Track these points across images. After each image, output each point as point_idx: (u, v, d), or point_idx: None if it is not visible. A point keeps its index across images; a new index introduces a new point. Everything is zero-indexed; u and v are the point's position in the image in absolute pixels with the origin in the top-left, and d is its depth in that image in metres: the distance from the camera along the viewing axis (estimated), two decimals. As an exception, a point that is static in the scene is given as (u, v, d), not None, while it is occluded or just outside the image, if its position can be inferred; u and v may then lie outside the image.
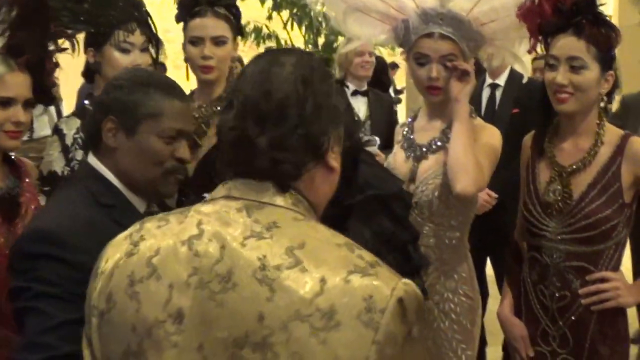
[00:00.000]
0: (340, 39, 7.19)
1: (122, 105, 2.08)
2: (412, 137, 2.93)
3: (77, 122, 2.94)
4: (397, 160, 2.94)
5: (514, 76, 5.17)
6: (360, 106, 5.27)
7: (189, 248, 1.41)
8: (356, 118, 5.10)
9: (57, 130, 3.01)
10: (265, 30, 8.73)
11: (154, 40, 3.12)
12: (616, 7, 8.82)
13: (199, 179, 3.02)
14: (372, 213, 2.47)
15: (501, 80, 5.21)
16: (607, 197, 2.64)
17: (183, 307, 1.37)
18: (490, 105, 5.18)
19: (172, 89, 2.14)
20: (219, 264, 1.37)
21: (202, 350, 1.34)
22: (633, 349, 3.33)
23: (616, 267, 2.70)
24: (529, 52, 2.86)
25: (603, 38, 2.64)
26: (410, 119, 3.05)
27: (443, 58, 2.76)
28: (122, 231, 1.66)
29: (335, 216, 2.37)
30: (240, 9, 3.26)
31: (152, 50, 3.12)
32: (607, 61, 2.66)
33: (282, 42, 8.64)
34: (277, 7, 8.46)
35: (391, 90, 8.28)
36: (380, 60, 5.59)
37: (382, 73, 5.54)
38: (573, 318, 2.69)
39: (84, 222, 1.98)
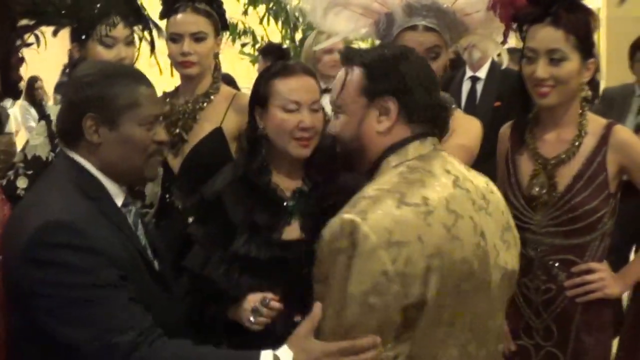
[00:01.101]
0: (318, 34, 7.14)
1: (98, 100, 2.11)
2: None
3: None
4: None
5: (495, 69, 5.21)
6: (327, 104, 5.20)
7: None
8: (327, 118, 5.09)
9: (44, 117, 3.03)
10: (241, 26, 8.72)
11: (146, 31, 3.14)
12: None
13: (186, 175, 3.04)
14: None
15: (482, 73, 5.23)
16: (593, 189, 2.61)
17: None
18: (470, 99, 5.19)
19: (140, 76, 2.21)
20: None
21: None
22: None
23: (601, 258, 2.68)
24: (502, 43, 2.85)
25: (582, 25, 2.59)
26: None
27: (428, 51, 2.69)
28: (110, 223, 2.04)
29: (319, 217, 2.38)
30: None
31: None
32: (587, 49, 2.60)
33: (259, 37, 8.64)
34: (253, 2, 8.44)
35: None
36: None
37: None
38: (558, 310, 2.68)
39: (86, 212, 2.06)
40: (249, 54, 8.76)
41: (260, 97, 2.52)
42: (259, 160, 2.52)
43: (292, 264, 2.43)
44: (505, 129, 2.87)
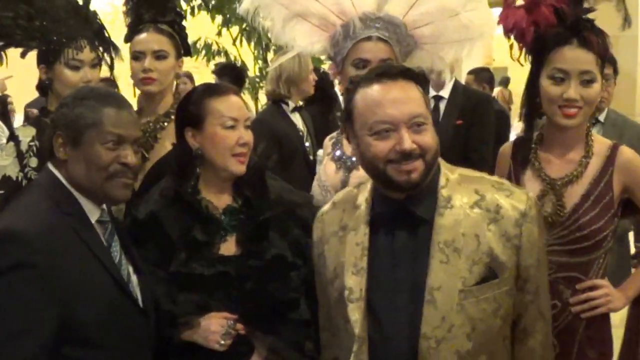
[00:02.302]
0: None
1: (66, 120, 2.26)
2: (341, 148, 2.94)
3: (32, 131, 3.00)
4: (328, 171, 2.95)
5: (458, 89, 5.36)
6: (298, 121, 5.32)
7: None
8: (301, 133, 5.15)
9: (12, 137, 3.06)
10: (215, 47, 8.77)
11: (108, 54, 3.21)
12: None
13: (146, 192, 3.04)
14: (286, 226, 2.57)
15: (445, 93, 5.36)
16: (600, 208, 2.61)
17: None
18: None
19: (110, 98, 2.31)
20: None
21: None
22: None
23: (604, 275, 2.70)
24: (521, 64, 2.76)
25: (604, 47, 2.61)
26: (339, 131, 3.02)
27: (381, 61, 2.74)
28: (78, 239, 2.12)
29: (255, 231, 2.53)
30: (192, 25, 3.34)
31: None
32: (603, 70, 2.63)
33: (232, 57, 8.71)
34: (226, 23, 8.49)
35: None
36: (327, 75, 5.69)
37: (329, 87, 5.62)
38: (561, 327, 2.67)
39: (49, 226, 2.13)
40: (223, 74, 8.82)
41: (194, 117, 2.55)
42: (191, 179, 2.57)
43: (233, 279, 2.48)
44: (507, 148, 2.85)
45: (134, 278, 2.36)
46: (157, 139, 3.21)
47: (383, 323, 2.18)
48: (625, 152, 2.66)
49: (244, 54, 8.70)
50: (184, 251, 2.48)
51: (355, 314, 2.19)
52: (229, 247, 2.54)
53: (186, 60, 3.43)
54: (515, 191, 2.23)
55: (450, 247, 2.13)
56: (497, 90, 14.72)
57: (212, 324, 2.44)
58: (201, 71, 9.17)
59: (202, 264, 2.47)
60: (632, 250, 4.63)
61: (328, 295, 2.33)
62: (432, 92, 5.39)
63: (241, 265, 2.49)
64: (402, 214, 2.20)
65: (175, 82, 3.36)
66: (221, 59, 8.68)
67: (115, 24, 3.40)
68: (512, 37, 2.72)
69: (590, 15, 2.65)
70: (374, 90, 2.14)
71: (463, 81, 8.02)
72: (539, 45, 2.65)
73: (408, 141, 2.09)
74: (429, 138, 2.15)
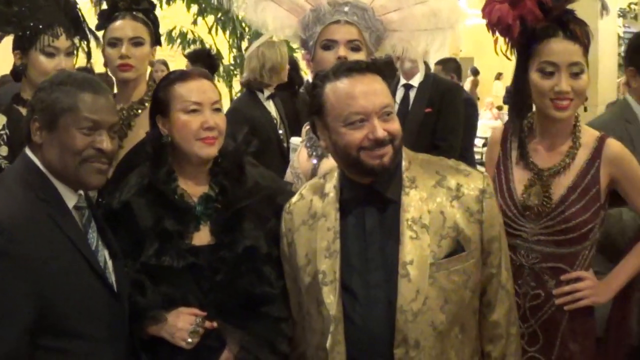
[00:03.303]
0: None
1: (42, 104, 2.26)
2: (315, 136, 2.89)
3: (3, 119, 2.98)
4: (301, 158, 2.96)
5: (428, 78, 5.45)
6: (272, 108, 5.36)
7: None
8: (275, 121, 5.18)
9: None
10: (190, 35, 8.79)
11: (86, 42, 3.22)
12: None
13: (118, 180, 2.97)
14: (264, 215, 2.54)
15: (415, 82, 5.44)
16: (586, 200, 2.62)
17: None
18: (404, 104, 5.40)
19: (87, 83, 2.30)
20: None
21: None
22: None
23: (589, 267, 2.70)
24: (508, 58, 2.77)
25: (587, 38, 2.62)
26: None
27: (350, 43, 2.81)
28: (55, 226, 2.12)
29: (229, 221, 2.50)
30: (167, 14, 3.36)
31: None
32: (587, 60, 2.64)
33: (207, 46, 8.64)
34: (202, 12, 8.45)
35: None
36: (292, 59, 5.80)
37: (294, 71, 5.70)
38: (545, 317, 2.68)
39: (24, 213, 2.14)
40: (198, 63, 8.84)
41: (161, 104, 2.52)
42: (164, 168, 2.51)
43: (205, 271, 2.44)
44: (497, 134, 2.86)
45: (109, 264, 2.35)
46: (130, 126, 3.19)
47: (359, 301, 2.28)
48: (613, 144, 2.66)
49: (219, 42, 8.70)
50: (155, 241, 2.43)
51: (330, 295, 2.28)
52: (202, 236, 2.49)
53: (162, 48, 3.44)
54: (472, 171, 2.38)
55: (418, 224, 2.26)
56: (469, 80, 14.96)
57: (179, 321, 2.40)
58: (176, 60, 9.02)
59: (173, 255, 2.41)
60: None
61: (299, 283, 2.41)
62: (403, 81, 5.48)
63: (213, 257, 2.45)
64: (370, 197, 2.32)
65: (149, 70, 3.37)
66: (197, 48, 8.66)
67: (92, 13, 3.42)
68: (496, 31, 2.72)
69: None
70: (345, 84, 2.26)
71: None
72: (524, 39, 2.65)
73: (380, 130, 2.22)
74: (396, 125, 2.28)
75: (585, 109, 2.73)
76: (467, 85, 13.88)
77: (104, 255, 2.33)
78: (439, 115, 5.28)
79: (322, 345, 2.31)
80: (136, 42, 3.22)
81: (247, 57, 5.40)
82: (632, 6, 16.44)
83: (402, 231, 2.27)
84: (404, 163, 2.35)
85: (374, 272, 2.29)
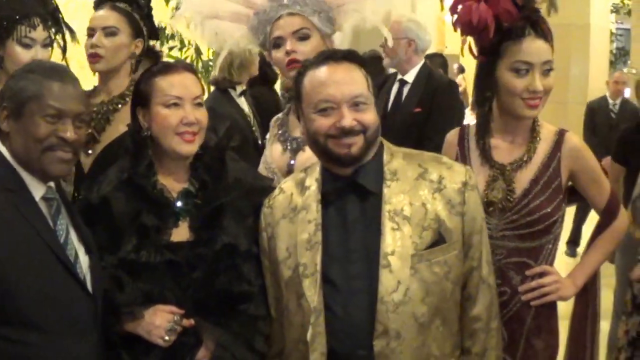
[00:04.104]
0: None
1: (10, 92, 2.26)
2: (287, 130, 2.92)
3: None
4: (274, 153, 2.92)
5: (423, 73, 5.30)
6: (244, 106, 5.34)
7: None
8: (248, 118, 5.16)
9: None
10: (169, 30, 8.68)
11: (61, 35, 3.16)
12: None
13: (95, 175, 2.93)
14: (244, 210, 2.51)
15: (410, 77, 5.33)
16: (549, 193, 2.65)
17: None
18: (396, 100, 5.31)
19: (54, 71, 2.31)
20: None
21: None
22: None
23: (552, 261, 2.73)
24: (476, 58, 2.75)
25: (551, 36, 2.65)
26: (284, 112, 3.02)
27: (295, 33, 2.80)
28: (19, 216, 2.13)
29: (208, 217, 2.47)
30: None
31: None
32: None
33: (186, 41, 8.67)
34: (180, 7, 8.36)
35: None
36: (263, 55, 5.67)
37: (267, 66, 5.56)
38: (510, 314, 2.68)
39: None
40: (176, 58, 8.73)
41: (142, 97, 2.50)
42: (144, 162, 2.49)
43: (183, 267, 2.42)
44: (453, 135, 2.88)
45: (84, 259, 2.32)
46: (109, 120, 3.14)
47: (340, 292, 2.29)
48: (572, 138, 2.71)
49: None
50: (133, 236, 2.41)
51: (311, 287, 2.29)
52: (181, 232, 2.47)
53: None
54: (454, 164, 2.42)
55: (399, 216, 2.28)
56: (459, 78, 14.82)
57: (157, 318, 2.38)
58: None
59: (150, 251, 2.40)
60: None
61: (279, 277, 2.40)
62: (399, 76, 5.38)
63: (191, 253, 2.43)
64: (351, 188, 2.33)
65: (132, 63, 3.27)
66: (175, 43, 8.63)
67: (68, 7, 3.25)
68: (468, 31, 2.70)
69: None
70: (320, 72, 2.32)
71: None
72: (495, 38, 2.64)
73: (348, 119, 2.25)
74: (369, 116, 2.29)
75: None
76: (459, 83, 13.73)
77: (75, 249, 2.30)
78: (429, 115, 5.15)
79: (302, 338, 2.31)
80: (109, 32, 3.15)
81: (215, 55, 5.50)
82: (626, 1, 16.39)
83: (383, 222, 2.28)
84: (385, 155, 2.37)
85: (355, 263, 2.30)
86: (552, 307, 2.73)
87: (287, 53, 2.78)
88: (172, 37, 8.69)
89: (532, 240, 2.66)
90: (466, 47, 2.76)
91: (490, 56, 2.66)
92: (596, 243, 2.78)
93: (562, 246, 8.51)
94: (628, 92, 8.73)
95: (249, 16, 2.91)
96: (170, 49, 8.79)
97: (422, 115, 5.13)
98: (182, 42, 8.68)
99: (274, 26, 2.83)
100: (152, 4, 3.31)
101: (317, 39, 2.81)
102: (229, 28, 2.98)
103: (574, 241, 8.69)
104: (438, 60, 7.53)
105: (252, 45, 3.10)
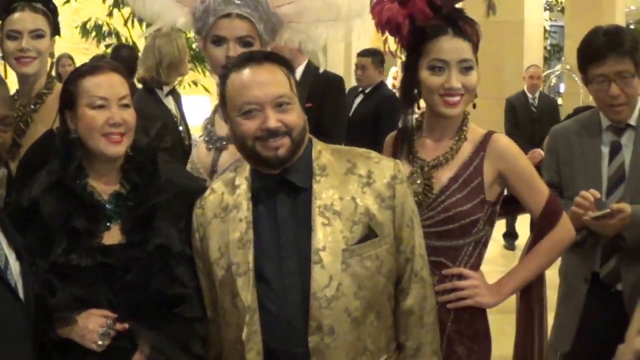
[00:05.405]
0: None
1: None
2: (212, 129, 2.89)
3: None
4: (199, 152, 2.90)
5: (310, 70, 5.24)
6: (171, 105, 5.26)
7: None
8: (175, 119, 5.09)
9: None
10: (106, 28, 8.69)
11: None
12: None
13: (20, 179, 2.94)
14: (177, 212, 2.49)
15: (297, 74, 5.23)
16: (468, 192, 2.64)
17: None
18: None
19: None
20: None
21: None
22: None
23: (476, 266, 2.68)
24: (394, 56, 2.83)
25: (476, 35, 2.68)
26: (213, 111, 2.98)
27: (240, 40, 2.74)
28: None
29: (140, 219, 2.44)
30: (82, 6, 3.29)
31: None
32: (476, 57, 2.69)
33: (123, 39, 8.62)
34: (117, 4, 8.40)
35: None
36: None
37: None
38: None
39: None
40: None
41: (69, 98, 2.47)
42: (73, 164, 2.46)
43: (116, 270, 2.40)
44: (390, 137, 2.90)
45: (15, 265, 2.27)
46: (28, 123, 3.12)
47: (274, 290, 2.29)
48: (500, 139, 2.71)
49: (135, 35, 8.55)
50: (64, 240, 2.38)
51: (245, 286, 2.29)
52: (113, 235, 2.44)
53: (77, 41, 3.34)
54: (383, 159, 2.43)
55: (329, 211, 2.29)
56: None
57: (90, 322, 2.34)
58: (91, 52, 8.98)
59: (81, 254, 2.37)
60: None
61: (213, 278, 2.40)
62: None
63: (123, 256, 2.41)
64: (281, 186, 2.34)
65: (49, 62, 3.30)
66: (112, 41, 8.58)
67: None
68: (386, 31, 2.75)
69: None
70: (242, 74, 2.30)
71: (353, 62, 8.02)
72: (414, 38, 2.68)
73: (272, 120, 2.25)
74: (294, 117, 2.29)
75: (474, 106, 2.77)
76: (390, 80, 13.78)
77: (4, 254, 2.25)
78: (322, 111, 5.08)
79: (238, 339, 2.30)
80: (37, 35, 3.15)
81: (142, 53, 5.30)
82: (559, -1, 16.70)
83: (313, 218, 2.29)
84: (314, 152, 2.38)
85: (287, 260, 2.31)
86: (475, 313, 2.67)
87: (228, 57, 2.70)
88: (109, 34, 8.68)
89: (449, 240, 2.64)
90: (387, 46, 2.80)
91: (413, 55, 2.71)
92: (532, 253, 2.72)
93: (501, 239, 8.73)
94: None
95: (195, 0, 2.83)
96: (107, 46, 8.75)
97: (312, 111, 5.03)
98: (119, 39, 8.64)
99: (219, 22, 2.76)
100: (90, 1, 3.31)
101: (257, 47, 2.76)
102: (172, 7, 2.91)
103: (509, 233, 8.86)
104: (377, 58, 7.49)
105: (188, 28, 3.07)
